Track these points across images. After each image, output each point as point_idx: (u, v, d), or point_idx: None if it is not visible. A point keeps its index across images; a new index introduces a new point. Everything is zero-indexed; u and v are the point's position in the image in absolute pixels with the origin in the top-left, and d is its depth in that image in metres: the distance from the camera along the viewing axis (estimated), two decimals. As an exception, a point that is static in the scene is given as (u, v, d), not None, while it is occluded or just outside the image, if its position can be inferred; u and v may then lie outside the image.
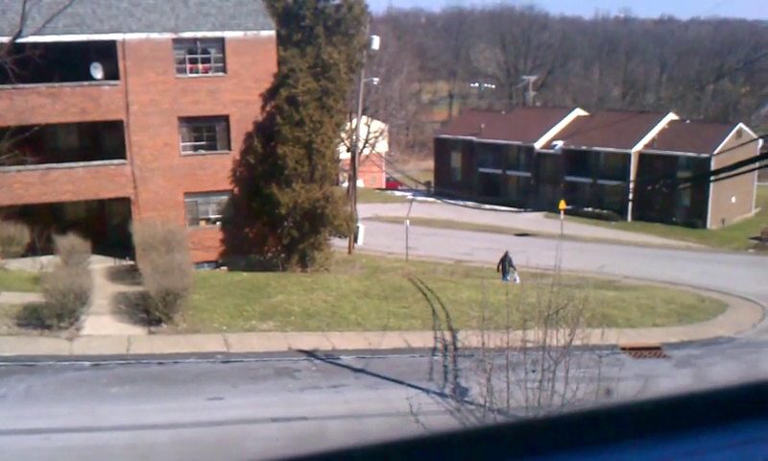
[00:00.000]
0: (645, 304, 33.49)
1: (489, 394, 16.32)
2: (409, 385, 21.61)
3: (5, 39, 29.01)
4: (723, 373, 24.66)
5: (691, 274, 43.55)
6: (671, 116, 78.40)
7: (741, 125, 74.83)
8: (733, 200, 71.98)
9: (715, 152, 66.35)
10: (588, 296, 19.30)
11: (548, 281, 18.55)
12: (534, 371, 16.41)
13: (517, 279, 36.51)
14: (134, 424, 19.04)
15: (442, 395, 21.53)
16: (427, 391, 21.61)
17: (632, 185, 72.74)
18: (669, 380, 23.35)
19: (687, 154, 69.95)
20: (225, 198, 36.29)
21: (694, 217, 69.91)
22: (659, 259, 51.43)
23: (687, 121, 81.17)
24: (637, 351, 26.73)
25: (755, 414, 1.68)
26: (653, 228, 67.68)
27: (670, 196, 68.05)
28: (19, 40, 28.91)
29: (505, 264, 38.64)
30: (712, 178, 55.83)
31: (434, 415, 19.28)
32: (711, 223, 70.21)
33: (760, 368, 25.58)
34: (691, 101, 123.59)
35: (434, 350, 25.65)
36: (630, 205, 71.92)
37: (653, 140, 73.71)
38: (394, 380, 22.56)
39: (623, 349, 26.41)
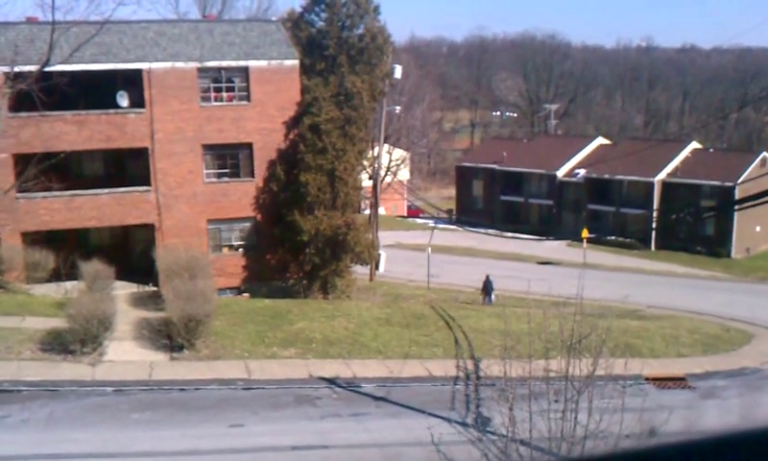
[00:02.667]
0: (669, 334, 33.14)
1: (511, 424, 16.16)
2: (430, 414, 21.48)
3: (33, 68, 29.44)
4: (750, 405, 24.29)
5: (715, 303, 43.10)
6: (694, 145, 78.01)
7: (765, 153, 74.26)
8: (758, 229, 71.28)
9: (739, 180, 65.85)
10: (612, 325, 19.11)
11: (571, 310, 18.41)
12: (557, 401, 16.25)
13: (493, 298, 40.68)
14: (155, 451, 19.05)
15: (463, 424, 21.36)
16: (449, 420, 21.45)
17: (655, 214, 72.28)
18: (695, 412, 23.05)
19: (711, 182, 69.49)
20: (247, 225, 36.47)
21: (718, 246, 69.28)
22: (682, 289, 50.95)
23: (711, 150, 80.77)
24: (662, 382, 26.42)
25: None
26: (676, 257, 67.12)
27: (694, 225, 67.51)
28: (47, 69, 29.33)
29: (487, 287, 41.03)
30: (736, 207, 55.34)
31: (455, 445, 19.15)
32: (736, 252, 69.56)
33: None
34: (714, 129, 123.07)
35: (456, 378, 25.49)
36: (653, 233, 71.39)
37: (676, 169, 73.31)
38: (415, 409, 22.42)
39: (647, 379, 26.12)
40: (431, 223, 75.32)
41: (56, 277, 32.32)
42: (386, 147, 54.57)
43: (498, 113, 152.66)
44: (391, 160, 62.01)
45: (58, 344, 24.68)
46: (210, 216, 35.63)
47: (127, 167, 37.63)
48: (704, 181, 70.08)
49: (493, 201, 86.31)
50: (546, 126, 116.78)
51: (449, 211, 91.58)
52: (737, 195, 63.93)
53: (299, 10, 40.24)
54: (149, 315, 29.45)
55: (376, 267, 44.59)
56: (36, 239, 33.18)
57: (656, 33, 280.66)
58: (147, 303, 31.70)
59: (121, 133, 33.84)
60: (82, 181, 35.20)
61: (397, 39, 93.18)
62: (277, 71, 35.76)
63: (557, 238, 70.49)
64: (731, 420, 21.80)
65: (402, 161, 71.87)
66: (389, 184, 62.27)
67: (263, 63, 35.59)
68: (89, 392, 22.37)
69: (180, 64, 34.32)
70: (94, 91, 33.52)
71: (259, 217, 36.31)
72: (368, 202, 50.81)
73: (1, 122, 29.16)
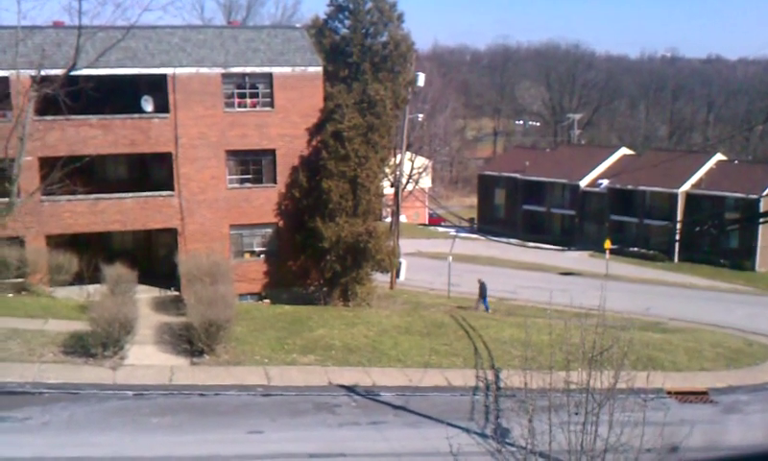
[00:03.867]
0: (692, 348, 32.81)
1: (530, 436, 16.03)
2: (449, 424, 21.38)
3: (59, 72, 29.71)
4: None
5: (738, 317, 42.66)
6: (719, 156, 77.37)
7: (792, 166, 73.58)
8: (783, 242, 70.60)
9: (764, 193, 65.29)
10: (634, 338, 18.93)
11: (592, 322, 18.29)
12: (577, 413, 16.10)
13: (487, 304, 41.67)
14: (174, 456, 19.12)
15: (482, 435, 21.24)
16: (468, 431, 21.34)
17: (679, 226, 71.76)
18: (717, 427, 22.81)
19: (736, 195, 68.88)
20: (269, 231, 36.59)
21: (742, 259, 68.61)
22: (705, 301, 50.47)
23: (736, 162, 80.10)
24: (684, 396, 26.16)
25: None
26: (700, 269, 66.55)
27: (718, 237, 66.95)
28: (73, 73, 29.58)
29: (482, 291, 41.75)
30: (761, 219, 54.82)
31: (474, 456, 19.03)
32: (760, 265, 68.85)
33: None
34: (739, 141, 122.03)
35: (475, 389, 25.38)
36: (676, 245, 70.85)
37: (700, 180, 72.75)
38: (434, 419, 22.34)
39: (669, 393, 25.84)
40: (452, 231, 75.27)
41: (79, 280, 32.55)
42: (408, 155, 54.56)
43: (521, 122, 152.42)
44: (413, 168, 62.02)
45: (79, 347, 24.83)
46: (232, 222, 35.79)
47: (151, 172, 37.92)
48: (728, 194, 69.49)
49: (516, 210, 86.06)
50: (569, 135, 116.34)
51: (471, 220, 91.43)
52: (762, 208, 63.37)
53: (323, 17, 40.39)
54: (170, 319, 29.59)
55: (397, 275, 44.55)
56: (59, 242, 33.47)
57: (681, 43, 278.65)
58: (169, 307, 31.86)
59: (145, 137, 34.09)
60: (106, 185, 35.49)
61: (421, 47, 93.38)
62: (301, 78, 35.88)
63: (579, 249, 70.17)
64: (753, 435, 21.55)
65: (424, 169, 71.90)
66: (410, 192, 62.27)
67: (287, 70, 35.73)
68: (110, 395, 22.49)
69: (204, 70, 34.54)
70: (119, 96, 33.81)
71: (281, 223, 36.42)
72: (389, 209, 50.82)
73: (27, 125, 29.43)
